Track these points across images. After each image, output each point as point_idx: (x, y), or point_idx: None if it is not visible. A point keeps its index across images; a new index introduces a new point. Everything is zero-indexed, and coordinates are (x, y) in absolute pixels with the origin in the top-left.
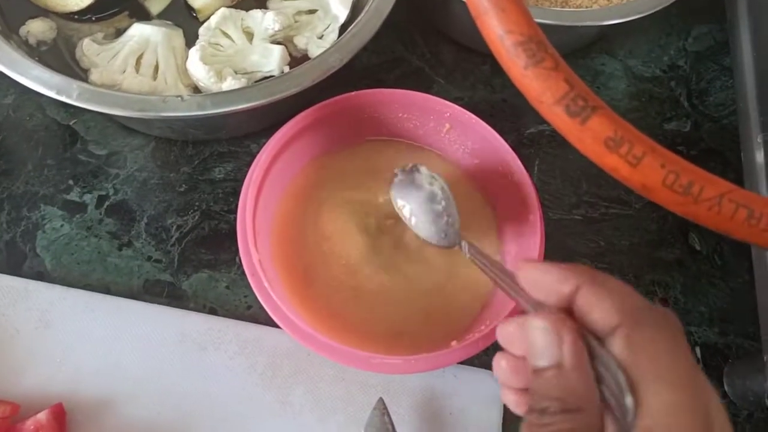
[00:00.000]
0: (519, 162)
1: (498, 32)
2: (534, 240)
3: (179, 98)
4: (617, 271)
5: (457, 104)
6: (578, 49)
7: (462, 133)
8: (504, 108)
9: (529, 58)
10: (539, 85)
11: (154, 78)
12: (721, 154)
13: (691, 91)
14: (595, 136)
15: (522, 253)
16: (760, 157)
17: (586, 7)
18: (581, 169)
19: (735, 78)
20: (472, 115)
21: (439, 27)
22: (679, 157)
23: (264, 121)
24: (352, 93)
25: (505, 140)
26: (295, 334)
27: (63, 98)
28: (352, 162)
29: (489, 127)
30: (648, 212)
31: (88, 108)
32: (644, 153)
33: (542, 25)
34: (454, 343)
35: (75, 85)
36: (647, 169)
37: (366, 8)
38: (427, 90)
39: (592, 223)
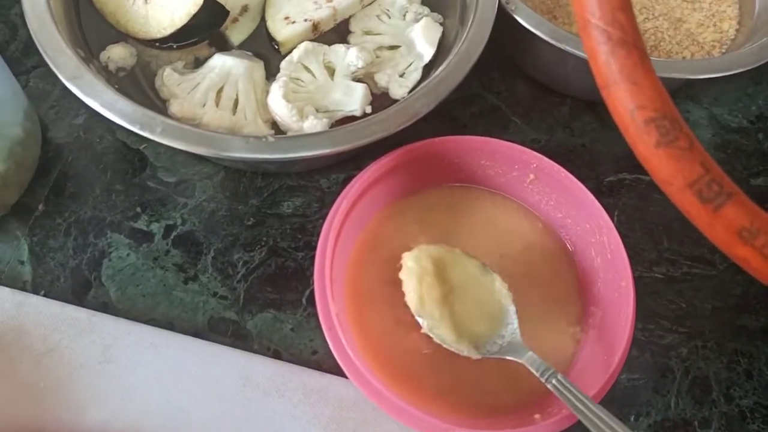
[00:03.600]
0: (610, 222)
1: (628, 107)
2: (626, 310)
3: (264, 139)
4: (698, 337)
5: (534, 146)
6: None
7: (547, 185)
8: (583, 153)
9: (662, 137)
10: (671, 166)
11: (234, 112)
12: None
13: None
14: (728, 225)
15: (609, 320)
16: None
17: (676, 53)
18: (663, 224)
19: None
20: (561, 168)
21: (518, 64)
22: None
23: (340, 158)
24: (437, 139)
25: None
26: (378, 401)
27: (146, 134)
28: (429, 209)
29: (578, 182)
30: (733, 274)
31: (171, 145)
32: None
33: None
34: (537, 416)
35: (159, 120)
36: None
37: (455, 50)
38: (503, 130)
39: (673, 282)
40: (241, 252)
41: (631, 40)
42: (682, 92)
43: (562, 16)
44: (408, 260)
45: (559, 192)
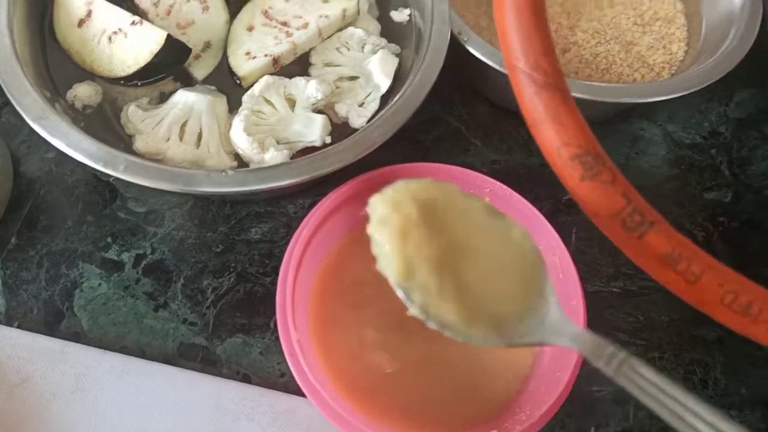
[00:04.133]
0: (561, 243)
1: (554, 144)
2: None
3: (223, 173)
4: (655, 349)
5: (494, 167)
6: (617, 115)
7: (500, 207)
8: (542, 172)
9: (586, 171)
10: (595, 198)
11: (198, 146)
12: (763, 226)
13: (733, 159)
14: (651, 251)
15: None
16: None
17: (627, 75)
18: None
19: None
20: (513, 192)
21: (477, 88)
22: (738, 275)
23: (303, 187)
24: (394, 167)
25: (542, 207)
26: (338, 423)
27: (110, 171)
28: None
29: (530, 205)
30: None
31: (134, 181)
32: (703, 271)
33: (583, 101)
34: None
35: (122, 158)
36: (705, 287)
37: (409, 81)
38: (464, 152)
39: (631, 296)
40: (210, 278)
41: (554, 83)
42: (636, 111)
43: None
44: (379, 205)
45: (512, 214)
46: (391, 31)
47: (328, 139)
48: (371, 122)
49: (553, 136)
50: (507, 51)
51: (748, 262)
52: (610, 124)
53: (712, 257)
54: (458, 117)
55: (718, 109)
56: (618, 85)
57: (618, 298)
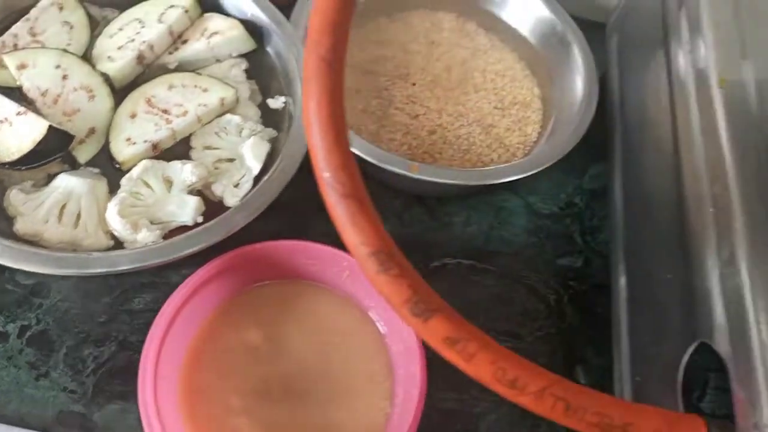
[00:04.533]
0: None
1: (355, 242)
2: (414, 393)
3: (89, 255)
4: (506, 404)
5: None
6: (483, 189)
7: (358, 279)
8: (412, 241)
9: (380, 266)
10: (387, 289)
11: (76, 226)
12: (609, 290)
13: (585, 228)
14: (435, 334)
15: (406, 400)
16: (623, 296)
17: (485, 156)
18: (479, 303)
19: (609, 219)
20: None
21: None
22: (509, 353)
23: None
24: (255, 245)
25: None
26: None
27: None
28: (262, 304)
29: None
30: (539, 345)
31: (8, 265)
32: (477, 350)
33: (449, 185)
34: None
35: None
36: (480, 364)
37: (274, 167)
38: None
39: None
40: (92, 348)
41: (351, 193)
42: (503, 186)
43: (388, 125)
44: None
45: (369, 284)
46: (270, 117)
47: (200, 219)
48: (236, 205)
49: (354, 237)
50: (315, 166)
51: (594, 323)
52: (478, 196)
53: (489, 338)
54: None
55: (574, 181)
56: (461, 170)
57: None
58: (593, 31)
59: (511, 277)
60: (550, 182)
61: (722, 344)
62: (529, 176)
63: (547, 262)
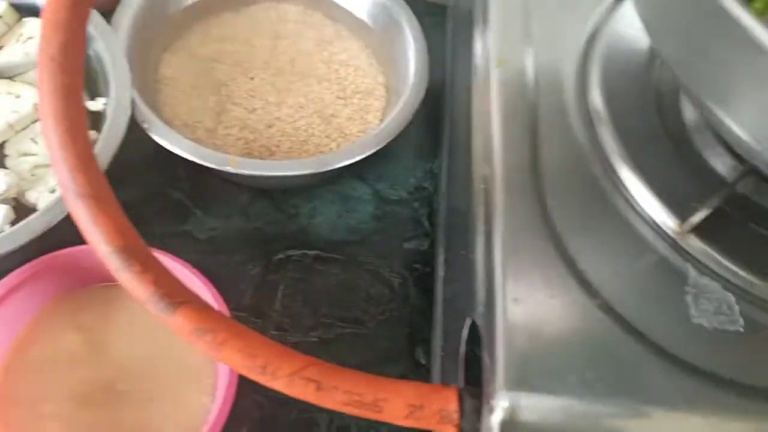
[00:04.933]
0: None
1: (95, 241)
2: (226, 384)
3: None
4: None
5: (211, 234)
6: (330, 177)
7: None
8: (257, 235)
9: (121, 263)
10: (132, 286)
11: None
12: None
13: (433, 210)
14: (183, 326)
15: (222, 393)
16: (440, 276)
17: (324, 145)
18: (323, 292)
19: (438, 198)
20: (176, 264)
21: None
22: (263, 339)
23: None
24: (62, 251)
25: (254, 267)
26: None
27: None
28: (82, 309)
29: (191, 272)
30: (381, 329)
31: None
32: (226, 339)
33: (283, 177)
34: None
35: None
36: (230, 352)
37: None
38: (183, 222)
39: (328, 343)
40: None
41: (89, 192)
42: (349, 172)
43: (225, 121)
44: None
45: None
46: (91, 120)
47: (8, 228)
48: (41, 211)
49: (93, 236)
50: (53, 165)
51: (432, 304)
52: (326, 186)
53: (241, 327)
54: (182, 190)
55: (424, 166)
56: (284, 161)
57: (315, 346)
58: (443, 14)
59: (356, 264)
60: (400, 168)
61: (479, 319)
62: (382, 162)
63: (394, 246)
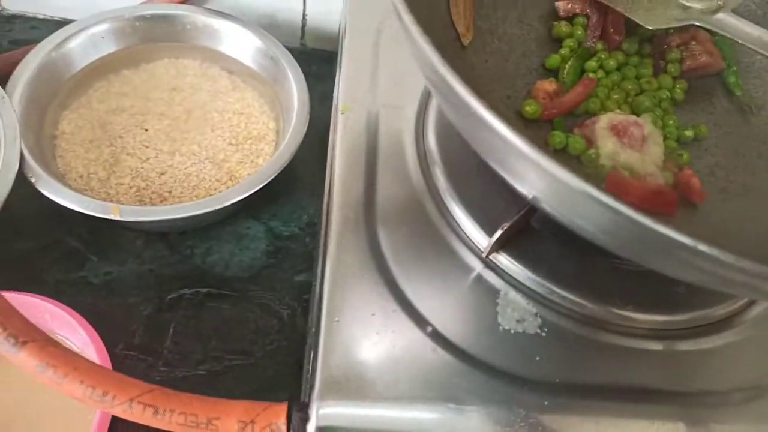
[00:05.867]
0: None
1: None
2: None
3: None
4: None
5: (105, 278)
6: (226, 218)
7: (63, 324)
8: (149, 277)
9: None
10: None
11: None
12: None
13: None
14: (27, 363)
15: None
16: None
17: (215, 189)
18: (214, 327)
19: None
20: (64, 311)
21: None
22: (102, 370)
23: None
24: None
25: (147, 307)
26: None
27: None
28: None
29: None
30: (268, 359)
31: None
32: (66, 373)
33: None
34: None
35: None
36: (71, 384)
37: None
38: (80, 268)
39: (216, 376)
40: None
41: None
42: (244, 212)
43: (118, 171)
44: None
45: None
46: None
47: None
48: None
49: None
50: None
51: None
52: (220, 226)
53: (80, 360)
54: (79, 238)
55: (317, 203)
56: (172, 206)
57: (203, 379)
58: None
59: (246, 299)
60: (294, 206)
61: (310, 338)
62: (275, 201)
63: (284, 280)
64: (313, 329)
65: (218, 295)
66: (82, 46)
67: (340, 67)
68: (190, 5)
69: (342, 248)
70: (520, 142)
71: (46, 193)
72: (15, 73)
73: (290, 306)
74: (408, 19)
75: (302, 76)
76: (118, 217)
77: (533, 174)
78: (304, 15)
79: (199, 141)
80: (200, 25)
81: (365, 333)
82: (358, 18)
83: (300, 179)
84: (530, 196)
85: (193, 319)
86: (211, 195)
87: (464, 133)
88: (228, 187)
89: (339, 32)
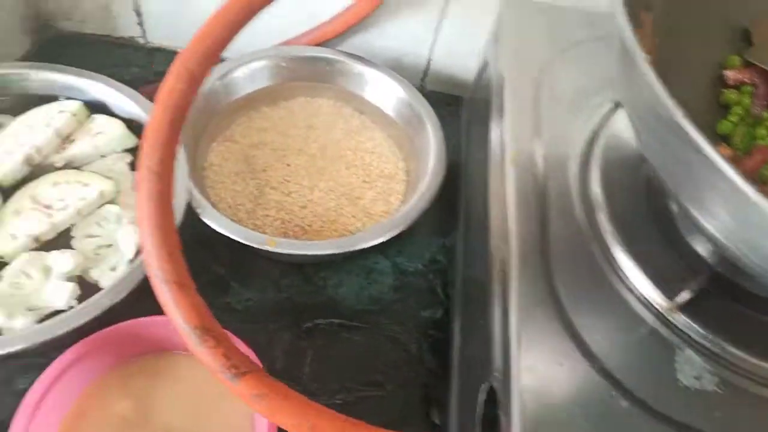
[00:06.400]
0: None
1: (177, 320)
2: None
3: None
4: None
5: (247, 305)
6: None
7: None
8: (287, 306)
9: (197, 339)
10: (206, 359)
11: None
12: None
13: (447, 281)
14: (245, 392)
15: None
16: (456, 344)
17: (351, 225)
18: (347, 359)
19: (455, 271)
20: (229, 333)
21: None
22: (311, 403)
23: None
24: (118, 325)
25: (284, 335)
26: None
27: None
28: (133, 377)
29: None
30: (399, 392)
31: None
32: (281, 402)
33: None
34: None
35: None
36: (281, 415)
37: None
38: (224, 294)
39: (349, 405)
40: None
41: (173, 279)
42: (372, 248)
43: (263, 203)
44: None
45: None
46: None
47: (75, 303)
48: (106, 289)
49: (176, 316)
50: (144, 256)
51: (448, 370)
52: (352, 261)
53: (293, 393)
54: (223, 265)
55: (438, 241)
56: (322, 241)
57: (340, 408)
58: (456, 105)
59: (377, 331)
60: (417, 244)
61: (497, 383)
62: (401, 239)
63: (411, 315)
64: (498, 375)
65: (350, 327)
66: (243, 79)
67: (501, 116)
68: (332, 49)
69: (524, 297)
70: (732, 172)
71: (211, 224)
72: None
73: (417, 340)
74: (642, 60)
75: (437, 121)
76: (274, 249)
77: (736, 207)
78: (429, 60)
79: (335, 177)
80: (339, 68)
81: (554, 382)
82: (515, 71)
83: (424, 219)
84: (721, 241)
85: (328, 348)
86: (348, 230)
87: (664, 165)
88: (363, 224)
89: (488, 81)
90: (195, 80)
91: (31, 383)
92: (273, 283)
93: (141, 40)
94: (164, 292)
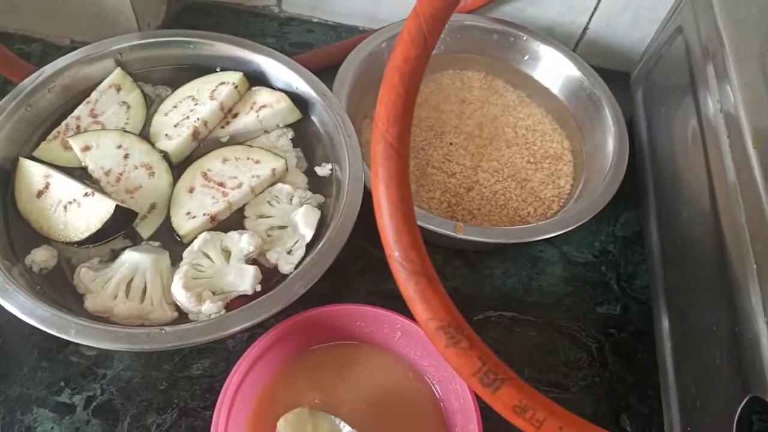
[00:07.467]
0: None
1: (423, 317)
2: None
3: (162, 331)
4: None
5: None
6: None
7: (411, 340)
8: (454, 295)
9: (448, 340)
10: (457, 361)
11: (142, 300)
12: (649, 336)
13: (620, 274)
14: (504, 403)
15: None
16: (668, 346)
17: (522, 209)
18: (524, 354)
19: (648, 264)
20: (419, 328)
21: None
22: (575, 417)
23: None
24: (316, 310)
25: None
26: None
27: (63, 335)
28: (317, 367)
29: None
30: (584, 395)
31: (84, 343)
32: (545, 417)
33: (491, 243)
34: None
35: (72, 323)
36: (548, 430)
37: (329, 232)
38: (387, 280)
39: None
40: (155, 416)
41: (420, 270)
42: None
43: (426, 184)
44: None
45: (422, 345)
46: (317, 183)
47: (259, 287)
48: (295, 271)
49: (422, 312)
50: (385, 244)
51: (636, 370)
52: (515, 248)
53: (555, 405)
54: (382, 249)
55: (606, 229)
56: (510, 228)
57: None
58: (615, 80)
59: (552, 327)
60: (583, 231)
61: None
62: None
63: (587, 310)
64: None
65: (523, 321)
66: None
67: (722, 92)
68: (484, 17)
69: None
70: None
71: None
72: (338, 78)
73: (597, 339)
74: None
75: (613, 98)
76: (461, 236)
77: None
78: (585, 29)
79: (498, 158)
80: (494, 37)
81: None
82: (737, 40)
83: None
84: None
85: (503, 343)
86: (519, 215)
87: None
88: (535, 209)
89: (683, 51)
90: (428, 46)
91: (203, 369)
92: (437, 270)
93: (275, 9)
94: (411, 285)
